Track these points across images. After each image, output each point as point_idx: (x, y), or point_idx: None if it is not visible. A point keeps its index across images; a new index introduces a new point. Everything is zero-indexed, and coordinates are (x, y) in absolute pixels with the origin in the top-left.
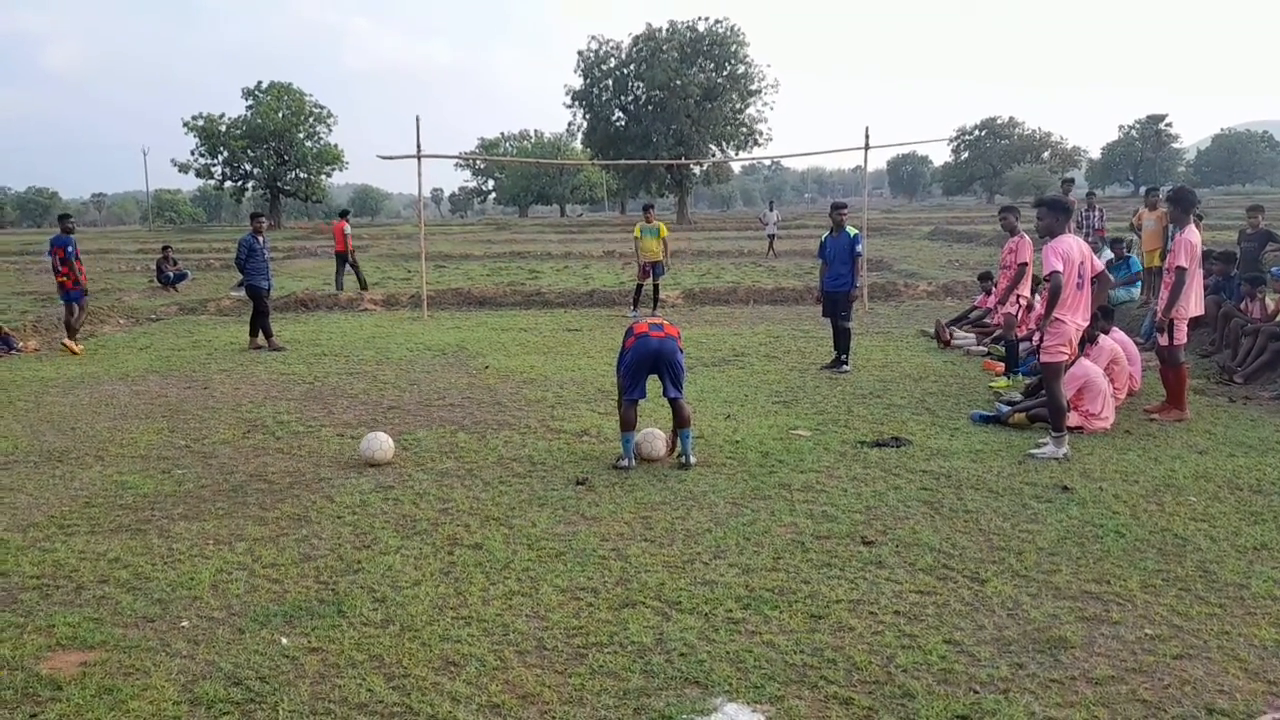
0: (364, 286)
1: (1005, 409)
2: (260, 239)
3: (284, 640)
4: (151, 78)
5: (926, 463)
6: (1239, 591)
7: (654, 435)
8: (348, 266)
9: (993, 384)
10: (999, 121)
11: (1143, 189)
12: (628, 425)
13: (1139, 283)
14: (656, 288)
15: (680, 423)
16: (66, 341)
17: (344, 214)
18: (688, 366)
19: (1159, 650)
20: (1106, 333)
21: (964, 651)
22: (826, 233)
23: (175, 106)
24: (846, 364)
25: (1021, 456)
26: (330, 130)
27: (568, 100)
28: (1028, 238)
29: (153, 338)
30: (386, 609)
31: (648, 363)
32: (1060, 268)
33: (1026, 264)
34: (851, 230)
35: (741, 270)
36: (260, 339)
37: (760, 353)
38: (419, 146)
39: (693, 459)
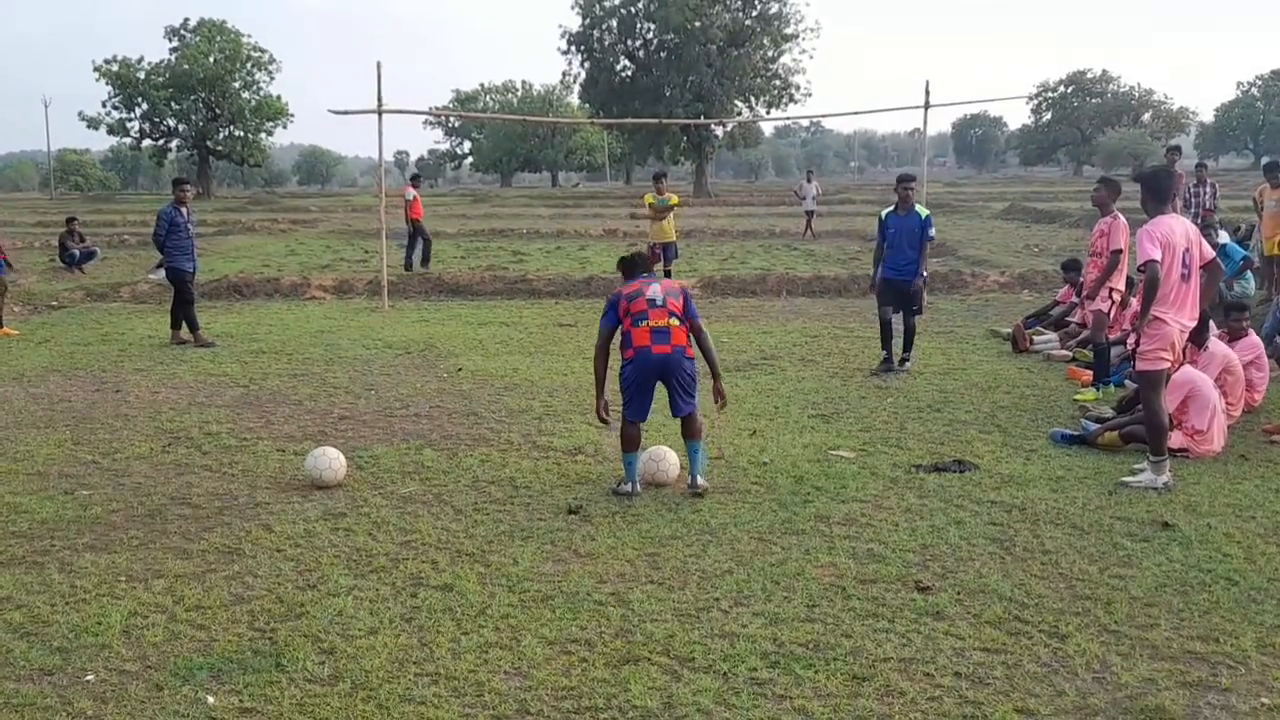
0: (410, 267)
1: (1093, 426)
2: (184, 211)
3: (210, 699)
4: (53, 9)
5: (996, 492)
6: None
7: (662, 455)
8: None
9: (1079, 396)
10: (1089, 76)
11: (1265, 160)
12: (630, 444)
13: (1248, 273)
14: (668, 274)
15: (690, 433)
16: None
17: (415, 178)
18: (705, 373)
19: None
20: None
21: None
22: (889, 209)
23: (83, 47)
24: (910, 362)
25: (1112, 485)
26: (272, 79)
27: (563, 45)
28: (1123, 219)
29: (54, 329)
30: (335, 662)
31: (651, 380)
32: (1158, 256)
33: (1120, 251)
34: (923, 210)
35: (772, 254)
36: (184, 332)
37: (794, 355)
38: (380, 100)
39: (702, 482)
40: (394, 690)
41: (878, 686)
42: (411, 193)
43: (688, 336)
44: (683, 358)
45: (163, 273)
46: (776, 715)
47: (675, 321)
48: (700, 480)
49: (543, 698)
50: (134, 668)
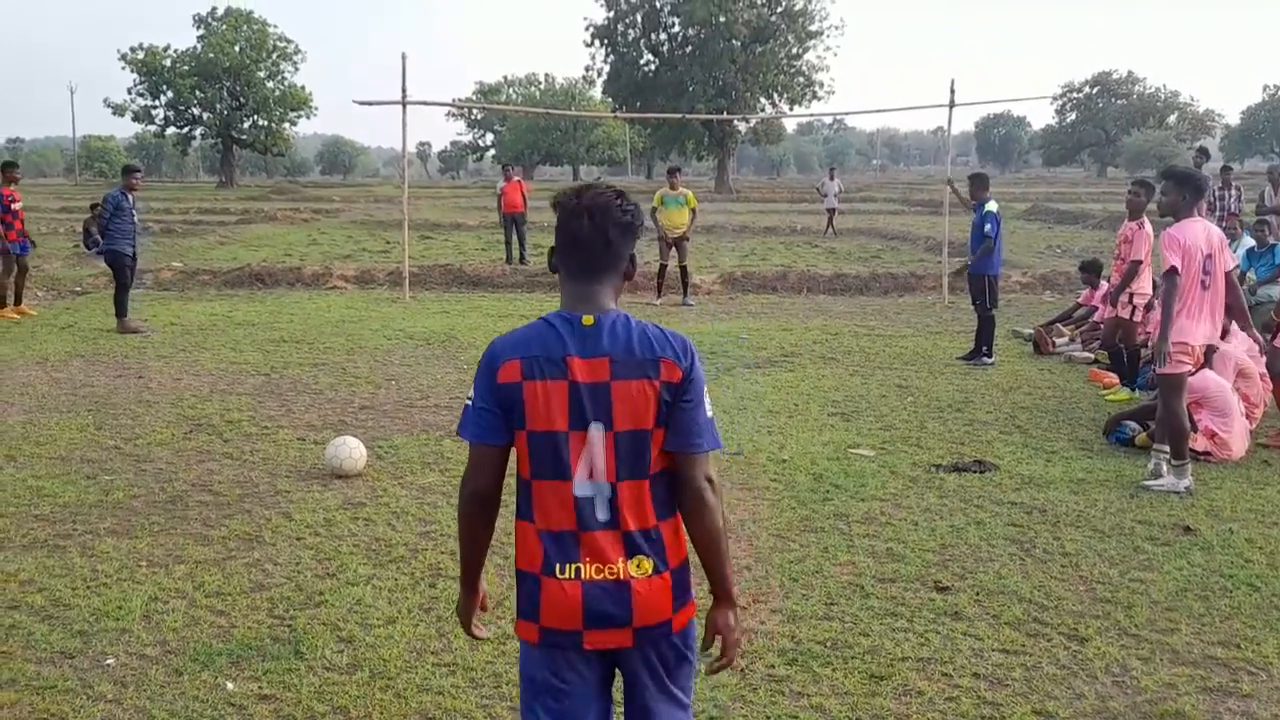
0: (511, 260)
1: (1131, 427)
2: (130, 197)
3: (229, 685)
4: None
5: (1016, 493)
6: None
7: None
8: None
9: (1111, 397)
10: (1115, 77)
11: None
12: None
13: None
14: (684, 270)
15: None
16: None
17: (505, 168)
18: (725, 368)
19: None
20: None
21: None
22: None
23: (110, 34)
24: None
25: (1134, 488)
26: (297, 69)
27: (587, 37)
28: (1149, 227)
29: (77, 314)
30: (354, 651)
31: (584, 679)
32: (1179, 263)
33: (1140, 261)
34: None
35: (794, 251)
36: (132, 320)
37: (814, 353)
38: (404, 91)
39: None
40: (412, 679)
41: (895, 685)
42: (500, 184)
43: (676, 531)
44: (663, 639)
45: (102, 258)
46: (794, 713)
47: (642, 562)
48: None
49: None
50: (154, 652)
